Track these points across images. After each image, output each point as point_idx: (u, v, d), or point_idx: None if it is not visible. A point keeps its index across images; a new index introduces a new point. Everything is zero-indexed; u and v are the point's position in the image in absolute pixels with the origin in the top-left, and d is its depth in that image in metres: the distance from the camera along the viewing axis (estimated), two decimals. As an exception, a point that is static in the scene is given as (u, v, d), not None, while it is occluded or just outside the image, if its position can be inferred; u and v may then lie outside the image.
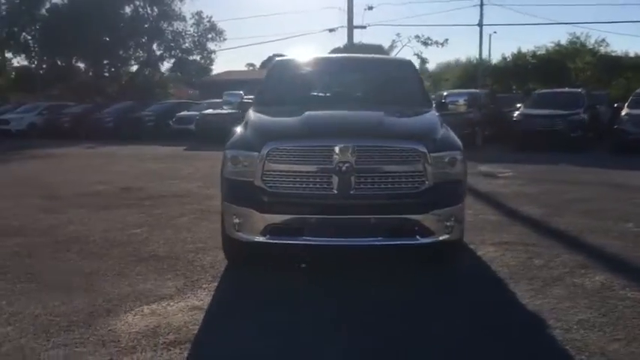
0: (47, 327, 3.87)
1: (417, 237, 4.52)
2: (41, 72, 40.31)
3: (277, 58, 6.47)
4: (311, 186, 4.52)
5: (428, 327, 3.91)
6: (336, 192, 4.48)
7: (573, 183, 10.25)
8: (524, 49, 34.15)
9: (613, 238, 6.19)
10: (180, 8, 42.73)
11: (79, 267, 5.20)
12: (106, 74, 43.37)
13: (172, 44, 42.87)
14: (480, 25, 30.47)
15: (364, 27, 30.28)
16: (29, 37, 40.82)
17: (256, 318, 4.07)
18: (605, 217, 7.20)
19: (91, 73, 42.51)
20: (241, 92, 6.16)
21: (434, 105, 5.84)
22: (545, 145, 15.83)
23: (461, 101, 6.10)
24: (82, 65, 42.78)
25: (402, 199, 4.51)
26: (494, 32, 48.22)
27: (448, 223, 4.59)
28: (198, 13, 43.12)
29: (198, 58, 44.53)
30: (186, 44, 43.23)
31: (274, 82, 6.20)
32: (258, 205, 4.54)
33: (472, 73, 32.94)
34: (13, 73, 44.55)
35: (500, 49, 67.44)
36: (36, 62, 40.95)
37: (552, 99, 17.84)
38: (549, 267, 5.17)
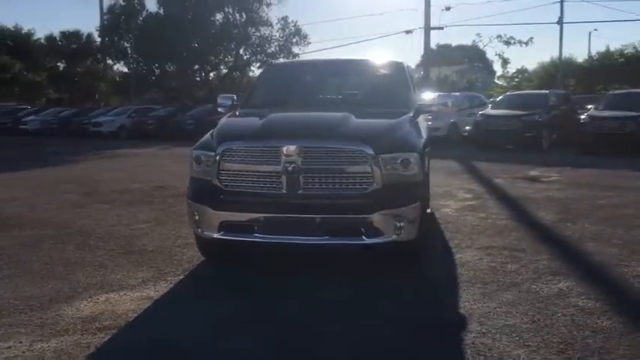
0: (3, 309, 4.27)
1: (363, 237, 4.57)
2: (146, 77, 42.65)
3: (270, 63, 6.67)
4: (262, 185, 4.70)
5: (348, 324, 3.97)
6: (285, 191, 4.63)
7: (618, 188, 9.71)
8: (612, 48, 32.37)
9: (612, 245, 5.90)
10: (267, 14, 43.89)
11: (68, 258, 5.64)
12: (197, 78, 45.20)
13: (258, 49, 44.04)
14: (560, 23, 29.22)
15: (441, 28, 29.86)
16: (127, 45, 43.23)
17: (199, 312, 4.25)
18: (622, 224, 6.84)
19: (183, 78, 44.43)
20: (233, 96, 6.39)
21: (415, 107, 5.81)
22: (615, 148, 15.02)
23: (449, 103, 6.02)
24: (174, 70, 44.71)
25: (349, 200, 4.59)
26: (595, 30, 45.87)
27: (398, 224, 4.60)
28: (284, 18, 44.12)
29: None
30: (272, 48, 44.26)
31: (263, 85, 6.42)
32: (213, 202, 4.77)
33: (554, 73, 31.63)
34: (118, 78, 47.36)
35: (585, 47, 64.00)
36: (133, 68, 43.27)
37: (626, 100, 16.86)
38: (517, 272, 5.05)
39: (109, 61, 44.61)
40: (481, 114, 17.68)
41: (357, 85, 6.35)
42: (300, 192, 4.61)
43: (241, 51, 44.82)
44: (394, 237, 4.62)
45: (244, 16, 43.62)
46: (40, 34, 46.16)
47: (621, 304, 4.34)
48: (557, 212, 7.66)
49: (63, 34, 45.40)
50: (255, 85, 6.47)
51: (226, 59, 45.47)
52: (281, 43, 44.42)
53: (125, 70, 45.03)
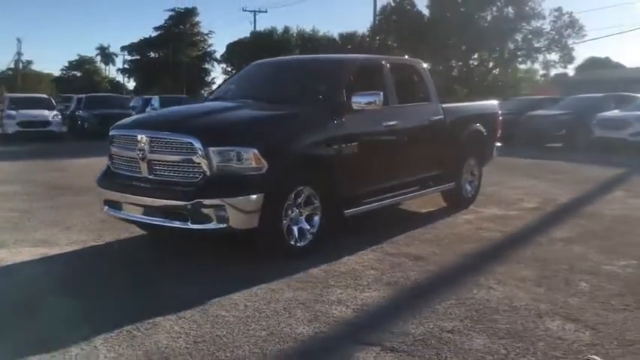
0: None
1: (189, 222, 4.95)
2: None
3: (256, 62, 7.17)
4: (128, 169, 5.41)
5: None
6: (141, 175, 5.26)
7: None
8: None
9: (552, 273, 5.11)
10: (540, 5, 41.50)
11: (57, 219, 7.01)
12: (456, 74, 44.92)
13: (524, 44, 41.99)
14: None
15: None
16: (394, 44, 45.12)
17: (49, 272, 5.10)
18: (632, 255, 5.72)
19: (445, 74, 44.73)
20: (209, 90, 7.05)
21: (324, 104, 5.86)
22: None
23: (377, 101, 5.80)
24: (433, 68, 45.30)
25: (178, 187, 5.03)
26: None
27: (223, 214, 4.86)
28: (558, 9, 41.23)
29: (555, 56, 42.61)
30: (540, 42, 41.75)
31: (230, 81, 7.01)
32: (101, 181, 5.65)
33: None
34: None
35: None
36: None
37: None
38: (358, 277, 4.87)
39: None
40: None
41: (301, 81, 6.48)
42: (151, 177, 5.19)
43: (510, 46, 43.18)
44: (222, 225, 4.89)
45: (513, 10, 41.97)
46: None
47: (376, 320, 4.01)
48: (581, 231, 6.62)
49: (341, 35, 49.58)
50: (224, 81, 7.07)
51: (493, 55, 44.32)
52: (552, 36, 41.62)
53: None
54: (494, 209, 7.88)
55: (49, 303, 4.30)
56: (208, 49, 70.08)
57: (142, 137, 5.17)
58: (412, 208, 7.97)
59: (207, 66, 70.70)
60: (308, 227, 5.46)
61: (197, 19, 70.00)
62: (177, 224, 5.05)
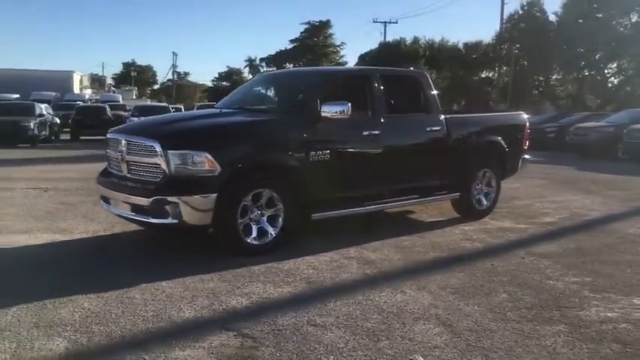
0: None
1: (150, 217, 5.58)
2: (528, 83, 42.83)
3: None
4: (116, 168, 6.15)
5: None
6: (122, 174, 5.99)
7: None
8: None
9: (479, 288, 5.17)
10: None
11: (91, 212, 7.93)
12: (587, 83, 42.29)
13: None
14: None
15: None
16: (520, 52, 43.50)
17: (49, 257, 5.84)
18: (590, 270, 5.59)
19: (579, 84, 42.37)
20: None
21: (293, 113, 6.26)
22: None
23: (345, 111, 6.05)
24: (561, 77, 43.06)
25: (144, 185, 5.68)
26: None
27: (178, 210, 5.43)
28: None
29: None
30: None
31: (235, 90, 7.56)
32: (98, 179, 6.44)
33: None
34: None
35: None
36: (516, 73, 43.26)
37: None
38: (290, 274, 5.20)
39: (504, 68, 45.70)
40: None
41: (284, 92, 6.92)
42: (129, 175, 5.89)
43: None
44: (175, 220, 5.47)
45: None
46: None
47: (259, 311, 4.35)
48: (571, 247, 6.45)
49: (465, 44, 48.77)
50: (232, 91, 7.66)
51: (631, 63, 41.24)
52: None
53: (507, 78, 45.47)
54: (505, 222, 7.76)
55: (8, 276, 5.11)
56: (340, 60, 71.86)
57: (122, 141, 5.88)
58: (422, 216, 8.07)
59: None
60: (270, 227, 5.86)
61: (330, 31, 72.35)
62: (141, 218, 5.70)
